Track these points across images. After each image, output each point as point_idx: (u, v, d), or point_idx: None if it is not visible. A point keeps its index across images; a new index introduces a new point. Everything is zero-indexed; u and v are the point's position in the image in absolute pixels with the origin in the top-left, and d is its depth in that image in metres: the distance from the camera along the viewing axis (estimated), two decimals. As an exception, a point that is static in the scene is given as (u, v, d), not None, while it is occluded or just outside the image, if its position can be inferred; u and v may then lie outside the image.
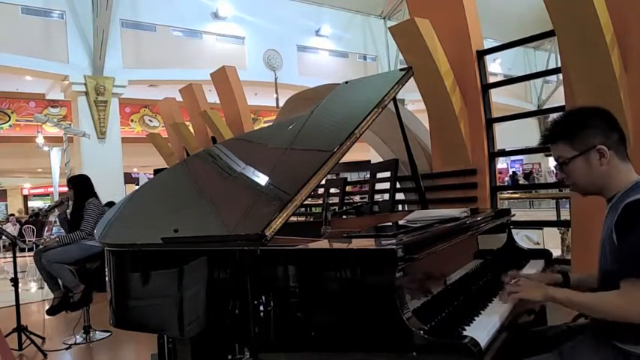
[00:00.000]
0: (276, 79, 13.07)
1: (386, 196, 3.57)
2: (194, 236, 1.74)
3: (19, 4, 10.23)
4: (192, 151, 6.52)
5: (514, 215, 2.53)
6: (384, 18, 15.65)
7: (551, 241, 5.24)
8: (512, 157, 21.38)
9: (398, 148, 3.62)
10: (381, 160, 4.28)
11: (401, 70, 2.46)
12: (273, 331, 1.45)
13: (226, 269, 1.59)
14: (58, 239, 4.19)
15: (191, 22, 12.46)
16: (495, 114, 3.31)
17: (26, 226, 13.46)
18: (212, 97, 7.16)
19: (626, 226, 1.34)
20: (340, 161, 1.87)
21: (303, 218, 4.85)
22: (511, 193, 5.56)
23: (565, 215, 4.35)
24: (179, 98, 7.92)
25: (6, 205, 23.49)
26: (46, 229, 12.03)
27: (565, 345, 1.49)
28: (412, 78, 2.53)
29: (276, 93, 12.68)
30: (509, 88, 13.26)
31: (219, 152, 2.51)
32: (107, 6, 10.00)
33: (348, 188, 4.32)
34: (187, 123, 7.69)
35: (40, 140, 12.37)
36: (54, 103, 13.43)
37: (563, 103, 2.75)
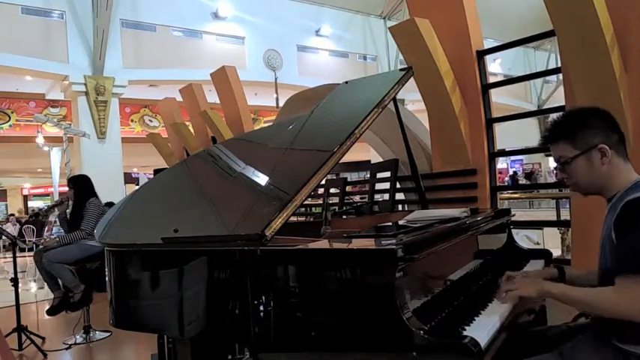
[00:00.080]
0: (276, 79, 13.07)
1: (386, 196, 3.57)
2: (194, 236, 1.74)
3: (19, 4, 10.23)
4: (192, 151, 6.52)
5: (514, 215, 2.53)
6: (384, 18, 15.65)
7: (551, 241, 5.24)
8: (512, 157, 21.39)
9: (398, 148, 3.62)
10: (381, 160, 4.29)
11: (401, 70, 2.46)
12: (273, 331, 1.45)
13: (226, 269, 1.59)
14: (58, 239, 4.19)
15: (191, 22, 12.46)
16: (495, 114, 3.31)
17: (26, 226, 13.46)
18: (212, 97, 7.16)
19: (626, 224, 1.34)
20: (340, 161, 1.87)
21: (303, 218, 4.85)
22: (511, 193, 5.56)
23: (565, 215, 4.35)
24: (179, 98, 7.91)
25: (6, 205, 23.49)
26: (46, 229, 12.02)
27: (565, 345, 1.49)
28: (412, 78, 2.53)
29: (276, 93, 12.68)
30: (509, 88, 13.26)
31: (219, 152, 2.51)
32: (107, 6, 10.00)
33: (348, 188, 4.32)
34: (187, 123, 7.69)
35: (40, 140, 12.38)
36: (54, 103, 13.43)
37: (563, 103, 2.74)
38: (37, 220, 9.82)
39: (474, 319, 1.47)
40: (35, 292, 6.75)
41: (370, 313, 1.34)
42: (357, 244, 1.59)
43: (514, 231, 2.51)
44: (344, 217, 3.31)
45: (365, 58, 15.71)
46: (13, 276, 3.98)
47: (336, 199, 4.07)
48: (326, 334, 1.39)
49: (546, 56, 17.71)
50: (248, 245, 1.52)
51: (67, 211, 4.36)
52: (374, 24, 15.67)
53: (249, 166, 2.14)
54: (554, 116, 1.69)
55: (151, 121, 14.85)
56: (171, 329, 1.80)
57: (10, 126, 13.15)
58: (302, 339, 1.42)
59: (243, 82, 6.62)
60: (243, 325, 1.50)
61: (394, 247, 1.34)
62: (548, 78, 17.74)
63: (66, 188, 4.52)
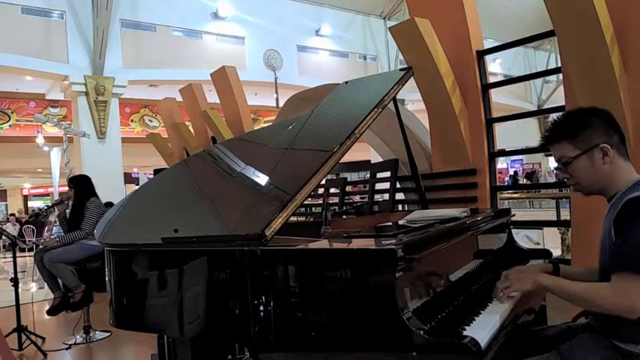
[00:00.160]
0: (276, 79, 13.07)
1: (386, 196, 3.58)
2: (194, 236, 1.74)
3: (19, 4, 10.22)
4: (192, 151, 6.52)
5: (514, 215, 2.54)
6: (384, 18, 15.64)
7: (551, 241, 5.25)
8: (513, 157, 21.40)
9: (398, 148, 3.63)
10: (381, 160, 4.29)
11: (401, 70, 2.47)
12: (273, 331, 1.45)
13: (226, 269, 1.58)
14: (58, 239, 4.19)
15: (191, 22, 12.46)
16: (495, 114, 3.32)
17: (26, 226, 13.47)
18: (212, 97, 7.16)
19: (624, 221, 1.34)
20: (340, 161, 1.87)
21: (303, 218, 4.85)
22: (511, 193, 5.57)
23: (565, 215, 4.36)
24: (179, 98, 7.91)
25: (6, 205, 23.51)
26: (46, 229, 12.03)
27: (565, 344, 1.49)
28: (412, 78, 2.53)
29: (276, 93, 12.68)
30: (509, 88, 13.29)
31: (219, 152, 2.51)
32: (107, 6, 10.00)
33: (348, 188, 4.33)
34: (187, 123, 7.69)
35: (40, 140, 12.39)
36: (54, 103, 13.43)
37: (563, 103, 2.75)
38: (37, 220, 9.81)
39: (474, 319, 1.47)
40: (35, 292, 6.75)
41: (370, 313, 1.34)
42: (357, 244, 1.59)
43: (514, 231, 2.51)
44: (344, 217, 3.31)
45: (365, 58, 15.70)
46: (13, 276, 3.98)
47: (336, 199, 4.07)
48: (326, 334, 1.39)
49: (546, 56, 17.71)
50: (248, 245, 1.52)
51: (67, 210, 4.37)
52: (374, 24, 15.66)
53: (249, 166, 2.13)
54: (554, 116, 1.69)
55: (150, 121, 14.85)
56: (171, 329, 1.80)
57: (10, 126, 13.15)
58: (302, 339, 1.42)
59: (243, 82, 6.62)
60: (243, 325, 1.50)
61: (394, 247, 1.34)
62: (548, 78, 17.75)
63: (66, 188, 4.52)
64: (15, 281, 3.96)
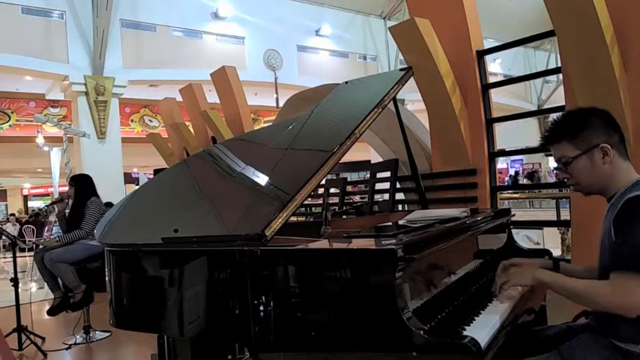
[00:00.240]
0: (276, 79, 13.07)
1: (386, 196, 3.58)
2: (194, 236, 1.74)
3: (19, 4, 10.23)
4: (192, 151, 6.52)
5: (514, 215, 2.54)
6: (384, 18, 15.65)
7: (551, 241, 5.26)
8: (513, 157, 21.39)
9: (398, 148, 3.62)
10: (381, 160, 4.29)
11: (401, 70, 2.47)
12: (273, 331, 1.45)
13: (226, 269, 1.58)
14: (58, 239, 4.19)
15: (191, 22, 12.46)
16: (495, 114, 3.31)
17: (26, 226, 13.47)
18: (212, 97, 7.15)
19: (624, 220, 1.35)
20: (340, 161, 1.87)
21: (303, 218, 4.85)
22: (511, 193, 5.57)
23: (565, 215, 4.35)
24: (179, 98, 7.91)
25: (6, 205, 23.51)
26: (46, 229, 12.03)
27: (565, 344, 1.49)
28: (412, 78, 2.53)
29: (276, 93, 12.68)
30: (509, 88, 13.29)
31: (220, 152, 2.51)
32: (107, 6, 10.00)
33: (348, 188, 4.33)
34: (187, 123, 7.69)
35: (40, 140, 12.39)
36: (54, 103, 13.43)
37: (563, 103, 2.75)
38: (37, 220, 9.82)
39: (474, 319, 1.47)
40: (35, 292, 6.75)
41: (370, 313, 1.34)
42: (357, 244, 1.59)
43: (514, 231, 2.51)
44: (344, 217, 3.31)
45: (365, 58, 15.71)
46: (13, 276, 3.98)
47: (336, 199, 4.07)
48: (326, 334, 1.39)
49: (546, 56, 17.71)
50: (248, 245, 1.52)
51: (66, 210, 4.37)
52: (374, 24, 15.66)
53: (249, 166, 2.13)
54: (554, 116, 1.69)
55: (150, 121, 14.85)
56: (171, 329, 1.80)
57: (10, 126, 13.16)
58: (302, 339, 1.42)
59: (243, 82, 6.62)
60: (243, 325, 1.50)
61: (394, 247, 1.34)
62: (548, 78, 17.75)
63: (66, 188, 4.52)
64: (15, 281, 3.96)
